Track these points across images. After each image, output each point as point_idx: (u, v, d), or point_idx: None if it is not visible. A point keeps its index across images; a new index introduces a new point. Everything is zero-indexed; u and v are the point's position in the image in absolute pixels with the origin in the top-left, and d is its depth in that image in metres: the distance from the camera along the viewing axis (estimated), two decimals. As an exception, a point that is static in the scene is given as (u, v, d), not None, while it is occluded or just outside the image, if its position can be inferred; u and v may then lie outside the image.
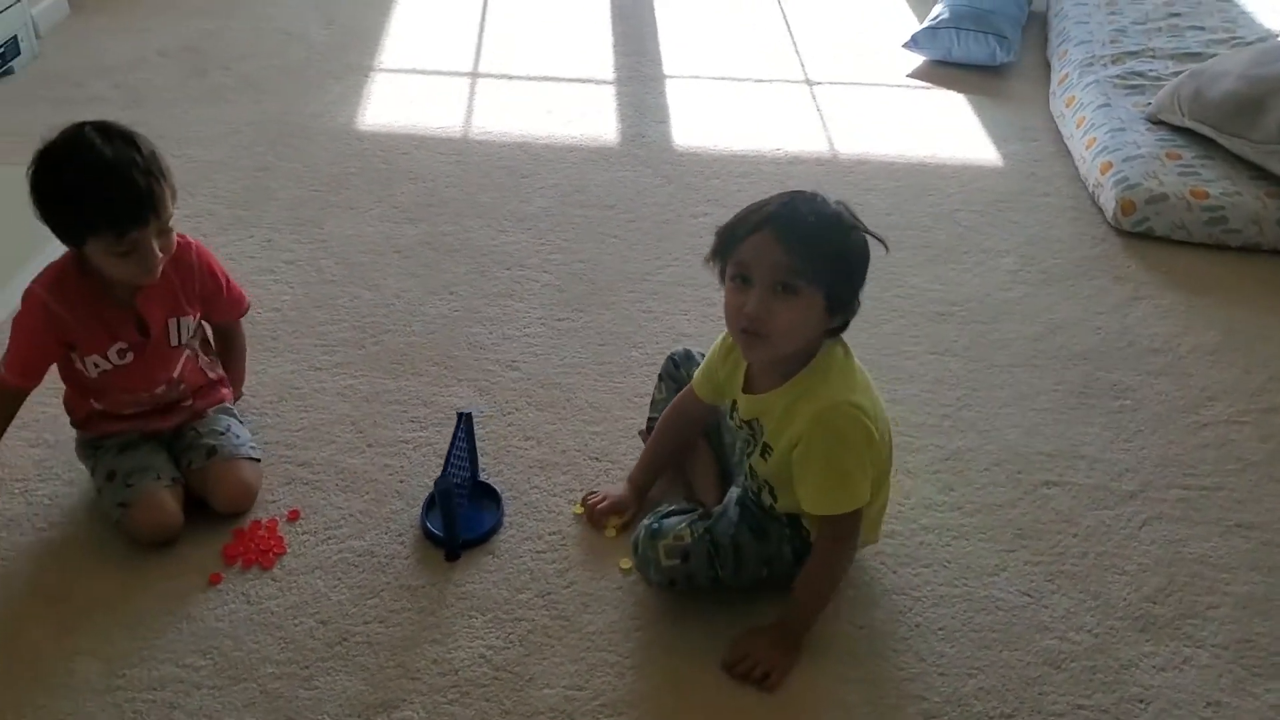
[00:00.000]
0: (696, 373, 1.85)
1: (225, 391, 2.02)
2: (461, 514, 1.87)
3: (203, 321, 1.96)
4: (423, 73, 3.41)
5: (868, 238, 1.56)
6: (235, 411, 2.01)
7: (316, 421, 2.11)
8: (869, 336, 2.34)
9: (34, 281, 1.76)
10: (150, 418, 1.91)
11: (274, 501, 1.94)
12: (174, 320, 1.85)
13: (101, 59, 3.42)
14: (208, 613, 1.75)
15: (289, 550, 1.85)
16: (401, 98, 3.25)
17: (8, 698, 1.62)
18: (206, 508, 1.90)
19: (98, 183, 1.63)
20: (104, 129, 1.67)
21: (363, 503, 1.94)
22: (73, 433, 1.96)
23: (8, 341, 1.81)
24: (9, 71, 3.29)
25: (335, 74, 3.37)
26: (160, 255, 1.72)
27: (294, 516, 1.91)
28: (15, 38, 3.29)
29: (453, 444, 1.84)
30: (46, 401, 1.99)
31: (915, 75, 3.44)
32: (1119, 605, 1.78)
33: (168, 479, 1.86)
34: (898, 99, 3.30)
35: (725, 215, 2.68)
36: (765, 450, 1.67)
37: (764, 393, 1.64)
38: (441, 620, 1.74)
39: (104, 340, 1.79)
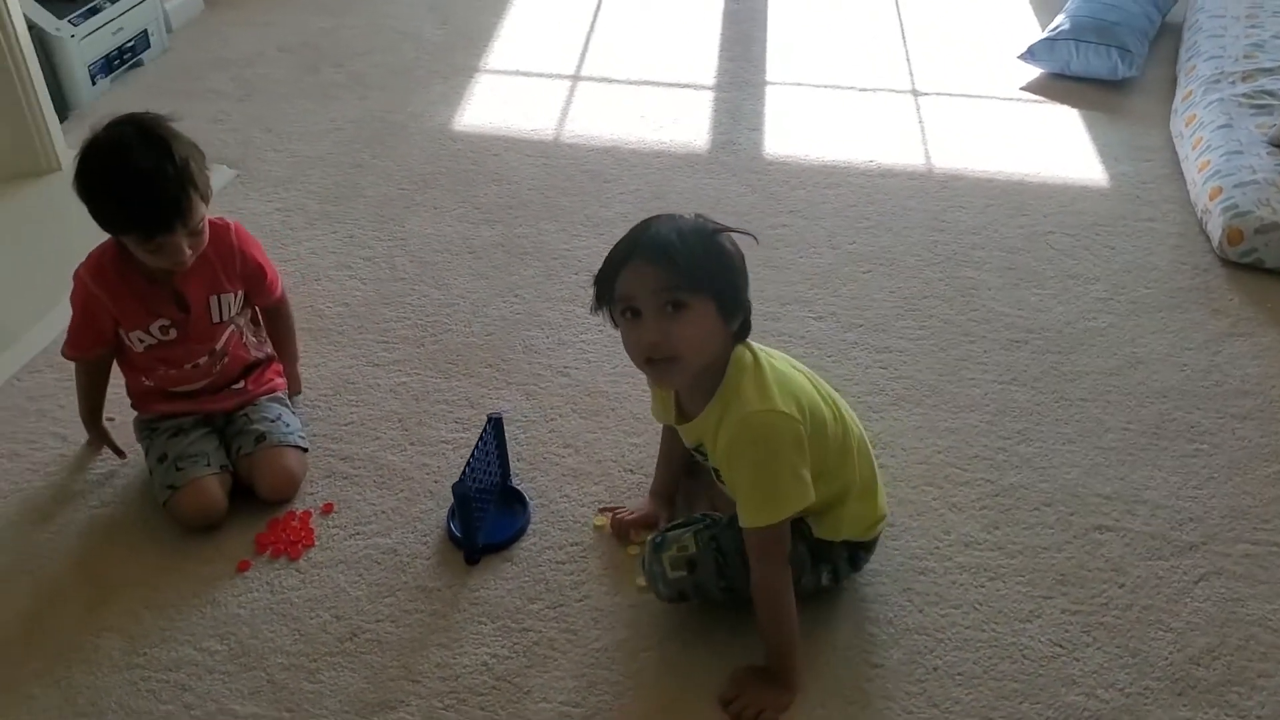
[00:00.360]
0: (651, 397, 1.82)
1: (279, 380, 2.08)
2: (486, 518, 1.89)
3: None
4: (525, 74, 3.44)
5: (736, 237, 1.56)
6: (287, 401, 2.07)
7: (365, 417, 2.15)
8: (934, 360, 2.26)
9: (80, 264, 1.87)
10: (202, 399, 1.98)
11: (312, 494, 1.99)
12: (214, 298, 1.92)
13: (224, 53, 3.57)
14: (232, 599, 1.80)
15: (317, 543, 1.89)
16: (500, 99, 3.28)
17: (32, 666, 1.71)
18: (252, 494, 1.96)
19: (128, 192, 1.72)
20: (144, 131, 1.74)
21: (395, 500, 1.97)
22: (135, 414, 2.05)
23: (70, 325, 1.94)
24: (138, 64, 3.46)
25: (441, 74, 3.43)
26: (189, 252, 1.80)
27: (328, 510, 1.95)
28: (146, 31, 3.46)
29: (477, 447, 1.85)
30: (114, 382, 2.07)
31: (1029, 88, 3.29)
32: (1158, 664, 1.67)
33: (216, 467, 1.92)
34: (1006, 113, 3.17)
35: (807, 226, 2.68)
36: (718, 474, 1.64)
37: (695, 418, 1.61)
38: (451, 624, 1.75)
39: (144, 317, 1.88)
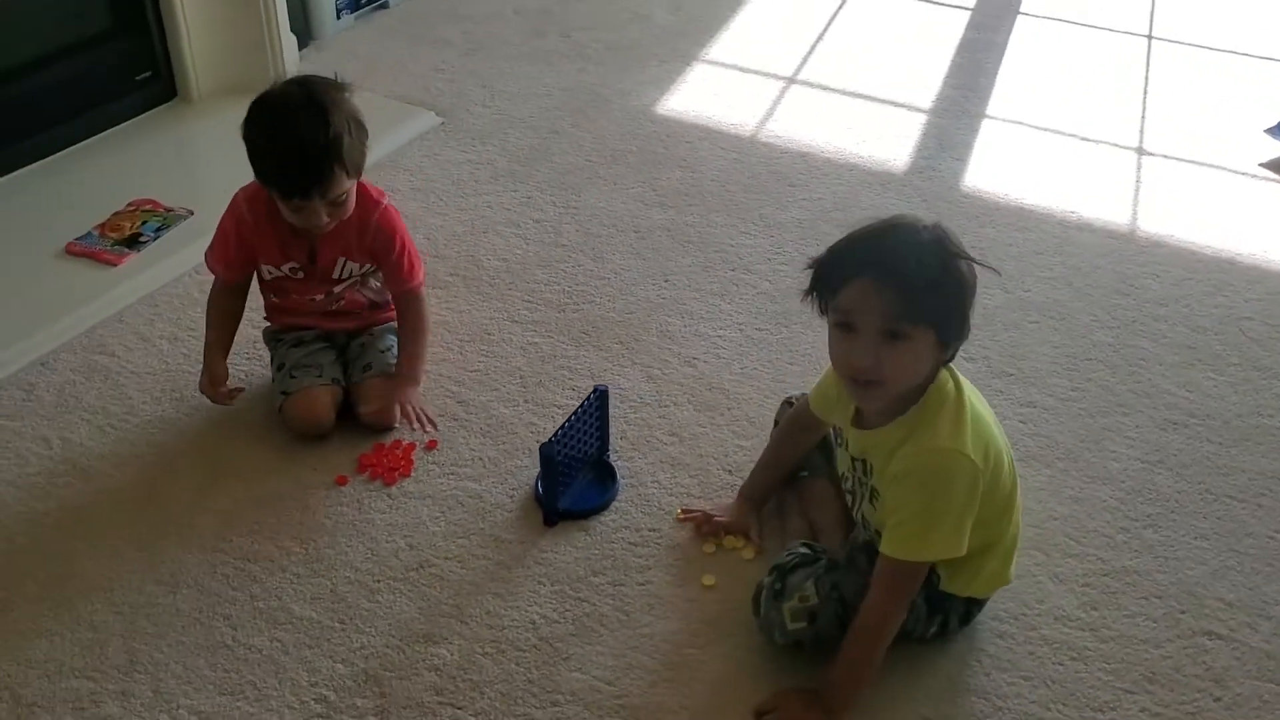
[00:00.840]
0: (814, 387, 1.77)
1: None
2: (573, 485, 1.90)
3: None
4: (742, 70, 3.43)
5: (973, 264, 1.47)
6: None
7: (490, 367, 2.21)
8: (1079, 424, 2.13)
9: (241, 188, 1.98)
10: (324, 318, 2.08)
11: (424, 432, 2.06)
12: (343, 260, 1.99)
13: (463, 8, 3.72)
14: (322, 508, 1.89)
15: (413, 475, 1.96)
16: (710, 89, 3.29)
17: (135, 530, 1.84)
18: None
19: (277, 153, 1.81)
20: (310, 98, 1.81)
21: (495, 451, 2.01)
22: (278, 321, 2.17)
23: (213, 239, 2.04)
24: (384, 5, 3.66)
25: (661, 57, 3.47)
26: (327, 220, 1.87)
27: (432, 446, 2.02)
28: (395, -24, 3.65)
29: (575, 414, 1.87)
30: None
31: (1271, 165, 3.04)
32: (1234, 791, 1.53)
33: (328, 379, 2.01)
34: (1235, 187, 2.94)
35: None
36: (874, 495, 1.58)
37: (873, 429, 1.55)
38: (512, 577, 1.78)
39: (277, 256, 1.98)
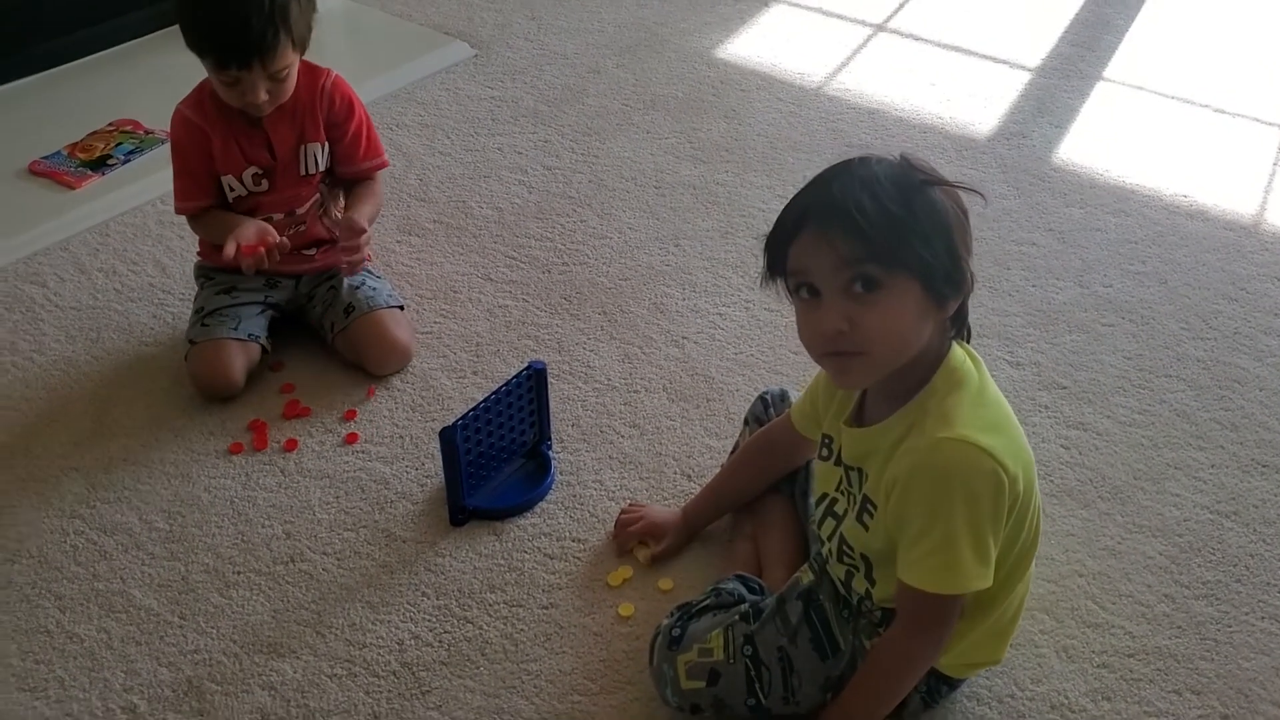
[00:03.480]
0: (797, 401, 1.43)
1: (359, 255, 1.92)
2: (493, 479, 1.62)
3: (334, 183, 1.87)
4: (825, 13, 3.04)
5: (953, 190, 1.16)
6: (371, 269, 1.90)
7: (446, 331, 1.93)
8: (1138, 457, 1.72)
9: (179, 102, 1.79)
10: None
11: (347, 395, 1.79)
12: (304, 147, 1.79)
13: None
14: (203, 479, 1.65)
15: (320, 448, 1.70)
16: (783, 34, 2.91)
17: (-8, 484, 1.64)
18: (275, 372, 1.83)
19: (212, 14, 1.60)
20: None
21: (421, 429, 1.74)
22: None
23: (173, 176, 1.83)
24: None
25: (739, -6, 3.11)
26: (265, 98, 1.67)
27: (350, 416, 1.75)
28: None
29: (496, 394, 1.57)
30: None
31: None
32: None
33: (244, 334, 1.77)
34: (1402, 177, 2.43)
35: (1060, 251, 2.17)
36: (865, 509, 1.22)
37: (873, 425, 1.21)
38: (392, 584, 1.50)
39: (239, 160, 1.77)
